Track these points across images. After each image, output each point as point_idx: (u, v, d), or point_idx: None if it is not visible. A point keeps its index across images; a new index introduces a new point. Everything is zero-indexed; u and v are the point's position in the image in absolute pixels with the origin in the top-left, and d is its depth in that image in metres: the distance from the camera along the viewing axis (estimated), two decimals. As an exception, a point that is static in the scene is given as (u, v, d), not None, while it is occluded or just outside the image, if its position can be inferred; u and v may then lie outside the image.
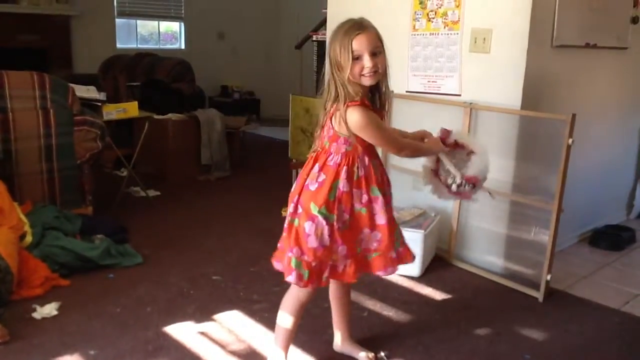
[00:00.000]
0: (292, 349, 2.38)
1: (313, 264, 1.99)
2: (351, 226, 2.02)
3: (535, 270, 3.05)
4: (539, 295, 2.94)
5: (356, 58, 1.90)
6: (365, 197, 2.02)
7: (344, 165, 1.99)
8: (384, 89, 2.04)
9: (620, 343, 2.57)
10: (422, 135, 2.27)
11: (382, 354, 2.38)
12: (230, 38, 8.41)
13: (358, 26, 1.92)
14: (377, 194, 2.03)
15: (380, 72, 1.95)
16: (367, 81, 1.93)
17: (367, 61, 1.90)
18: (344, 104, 1.93)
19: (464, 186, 2.25)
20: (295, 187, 2.07)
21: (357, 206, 2.02)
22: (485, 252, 3.31)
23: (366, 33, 1.91)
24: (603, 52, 3.54)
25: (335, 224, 1.98)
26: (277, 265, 2.12)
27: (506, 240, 3.23)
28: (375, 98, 2.04)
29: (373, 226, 2.05)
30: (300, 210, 2.01)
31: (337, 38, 1.93)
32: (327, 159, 2.01)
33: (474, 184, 2.25)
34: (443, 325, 2.67)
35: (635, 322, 2.78)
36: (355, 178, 2.00)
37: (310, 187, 2.01)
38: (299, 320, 2.19)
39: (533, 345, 2.52)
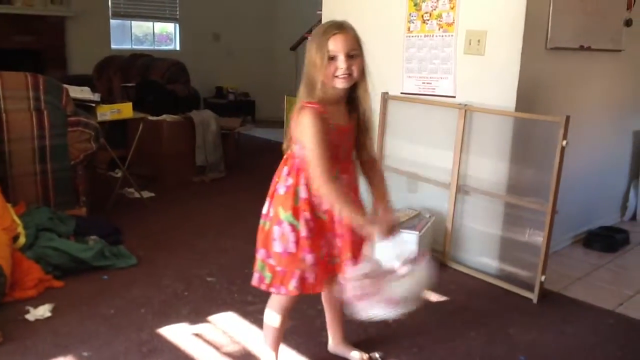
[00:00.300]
0: (288, 350, 2.38)
1: (277, 268, 1.96)
2: (316, 233, 1.95)
3: (529, 272, 3.05)
4: (534, 296, 2.94)
5: (331, 58, 1.83)
6: (325, 205, 1.94)
7: (302, 170, 1.93)
8: (360, 93, 1.95)
9: (614, 344, 2.58)
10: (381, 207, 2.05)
11: (377, 355, 2.38)
12: (225, 39, 8.40)
13: (337, 26, 1.86)
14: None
15: (355, 77, 1.88)
16: (339, 83, 1.86)
17: (341, 62, 1.83)
18: (302, 104, 1.88)
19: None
20: (270, 188, 2.03)
21: (318, 212, 1.95)
22: (480, 253, 3.31)
23: (344, 34, 1.85)
24: (597, 54, 3.56)
25: (301, 230, 1.93)
26: None
27: (501, 242, 3.24)
28: (354, 103, 1.97)
29: (334, 233, 1.98)
30: (272, 213, 1.98)
31: (315, 37, 1.87)
32: (293, 161, 1.96)
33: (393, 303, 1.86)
34: (438, 326, 2.67)
35: (630, 323, 2.78)
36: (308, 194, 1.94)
37: (279, 191, 1.97)
38: (285, 320, 2.15)
39: (528, 346, 2.52)
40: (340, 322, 2.35)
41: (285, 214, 1.94)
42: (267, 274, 1.99)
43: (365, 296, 1.79)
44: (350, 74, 1.85)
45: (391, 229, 1.87)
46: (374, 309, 1.82)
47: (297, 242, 1.94)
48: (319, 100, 1.86)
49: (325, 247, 1.99)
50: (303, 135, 1.87)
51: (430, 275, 1.90)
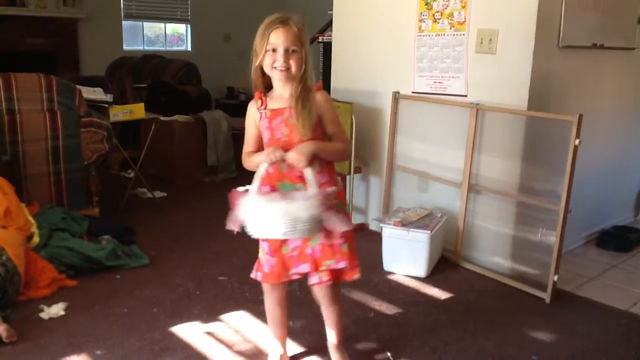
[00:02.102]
0: (298, 348, 2.39)
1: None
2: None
3: (542, 271, 3.04)
4: (546, 296, 2.92)
5: (272, 50, 1.91)
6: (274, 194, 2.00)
7: None
8: (292, 89, 1.95)
9: (627, 344, 2.56)
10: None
11: (389, 354, 2.38)
12: (236, 40, 8.41)
13: (280, 20, 1.92)
14: (287, 189, 1.97)
15: (294, 72, 1.92)
16: (276, 75, 1.93)
17: (279, 55, 1.90)
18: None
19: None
20: None
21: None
22: (492, 253, 3.30)
23: (285, 28, 1.91)
24: (610, 52, 3.53)
25: None
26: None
27: (513, 241, 3.22)
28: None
29: None
30: None
31: (261, 27, 1.95)
32: None
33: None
34: (449, 326, 2.66)
35: (643, 323, 2.76)
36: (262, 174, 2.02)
37: None
38: (269, 308, 2.25)
39: (540, 346, 2.51)
40: (333, 324, 2.24)
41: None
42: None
43: (236, 212, 1.93)
44: (288, 68, 1.91)
45: (277, 156, 1.92)
46: (251, 226, 1.94)
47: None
48: (262, 89, 2.00)
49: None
50: None
51: (310, 206, 1.89)
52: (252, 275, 2.16)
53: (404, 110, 3.65)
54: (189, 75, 6.09)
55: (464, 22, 3.23)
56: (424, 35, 3.45)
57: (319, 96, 1.99)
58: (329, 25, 4.68)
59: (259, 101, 2.00)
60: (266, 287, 2.19)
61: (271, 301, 2.22)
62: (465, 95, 3.30)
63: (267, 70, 1.94)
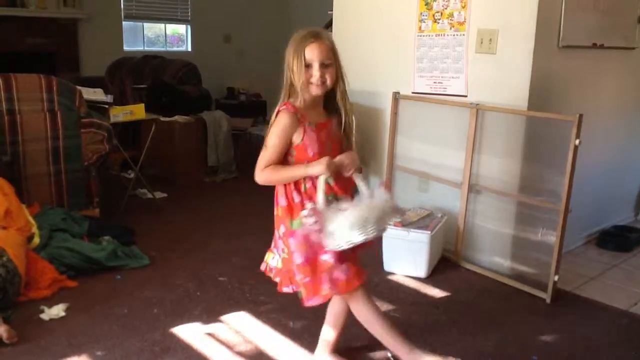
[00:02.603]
0: (300, 349, 2.39)
1: (305, 280, 1.98)
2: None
3: (542, 271, 3.03)
4: (547, 296, 2.92)
5: (307, 66, 1.93)
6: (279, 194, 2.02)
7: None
8: (337, 100, 2.03)
9: (628, 344, 2.56)
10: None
11: (389, 355, 2.37)
12: (236, 40, 8.41)
13: (313, 35, 1.95)
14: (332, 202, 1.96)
15: (329, 84, 1.97)
16: (313, 90, 1.96)
17: (315, 70, 1.93)
18: (278, 108, 1.98)
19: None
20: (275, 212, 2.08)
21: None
22: (492, 253, 3.30)
23: (319, 43, 1.93)
24: (610, 52, 3.53)
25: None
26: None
27: (513, 241, 3.22)
28: (332, 108, 2.06)
29: None
30: (282, 229, 2.02)
31: (293, 43, 1.96)
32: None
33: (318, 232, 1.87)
34: (450, 326, 2.66)
35: (644, 323, 2.76)
36: (303, 190, 1.99)
37: (281, 203, 2.02)
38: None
39: (541, 346, 2.51)
40: (341, 330, 2.30)
41: (295, 223, 1.97)
42: (303, 290, 2.01)
43: (319, 227, 1.85)
44: (324, 82, 1.95)
45: (335, 165, 1.94)
46: (335, 238, 1.86)
47: (313, 245, 1.95)
48: (295, 103, 1.97)
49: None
50: (269, 134, 1.97)
51: (388, 201, 1.94)
52: (312, 302, 2.01)
53: (404, 110, 3.65)
54: (189, 76, 6.09)
55: (464, 22, 3.23)
56: (424, 36, 3.45)
57: (350, 106, 2.08)
58: (329, 25, 4.68)
59: (298, 114, 1.96)
60: (360, 293, 2.06)
61: (372, 302, 2.12)
62: (465, 96, 3.29)
63: (303, 85, 1.94)
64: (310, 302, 2.01)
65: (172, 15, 7.95)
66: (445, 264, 3.35)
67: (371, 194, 1.95)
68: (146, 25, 7.88)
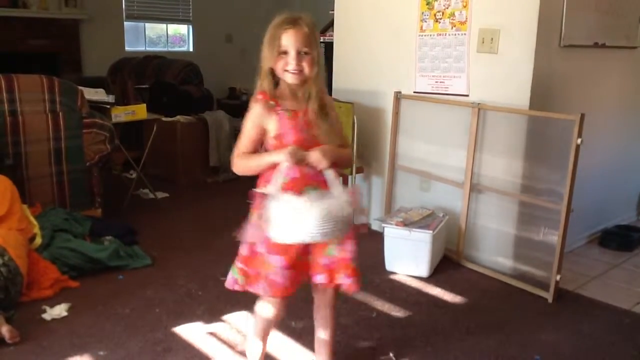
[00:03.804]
0: (301, 349, 2.39)
1: (247, 269, 1.98)
2: None
3: (544, 271, 3.03)
4: (549, 296, 2.92)
5: (283, 52, 1.83)
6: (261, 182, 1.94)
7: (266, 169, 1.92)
8: (312, 92, 1.88)
9: (630, 343, 2.55)
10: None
11: (391, 355, 2.38)
12: (238, 40, 8.42)
13: (291, 21, 1.84)
14: (312, 194, 1.86)
15: (307, 73, 1.85)
16: (289, 78, 1.85)
17: (291, 58, 1.82)
18: (254, 97, 1.91)
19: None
20: None
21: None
22: (494, 252, 3.30)
23: (297, 29, 1.82)
24: (612, 51, 3.53)
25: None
26: None
27: (515, 241, 3.22)
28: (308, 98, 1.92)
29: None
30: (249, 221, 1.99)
31: (270, 28, 1.87)
32: None
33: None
34: (452, 326, 2.66)
35: (646, 322, 2.76)
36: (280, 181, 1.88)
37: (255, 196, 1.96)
38: (269, 314, 2.08)
39: (543, 346, 2.50)
40: (333, 331, 2.20)
41: (255, 215, 1.92)
42: (240, 276, 2.00)
43: (265, 214, 1.78)
44: (300, 70, 1.84)
45: (301, 154, 1.82)
46: (275, 229, 1.80)
47: (264, 242, 1.91)
48: (270, 90, 1.89)
49: (300, 247, 1.91)
50: (243, 123, 1.92)
51: (346, 203, 1.83)
52: (247, 289, 1.99)
53: (405, 110, 3.65)
54: (191, 76, 6.10)
55: (466, 22, 3.23)
56: (425, 35, 3.45)
57: (330, 100, 1.97)
58: (330, 25, 4.68)
59: (271, 102, 1.88)
60: (273, 300, 2.01)
61: (277, 314, 2.06)
62: (467, 95, 3.29)
63: (279, 72, 1.86)
64: (233, 286, 2.01)
65: (174, 15, 7.97)
66: (447, 263, 3.35)
67: (337, 195, 1.83)
68: (148, 25, 7.89)
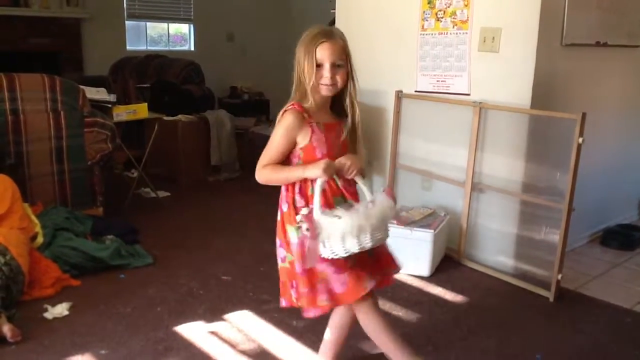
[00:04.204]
0: (304, 349, 2.39)
1: (303, 290, 1.91)
2: None
3: (546, 270, 3.03)
4: (550, 295, 2.92)
5: (318, 66, 1.85)
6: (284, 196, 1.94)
7: (297, 182, 1.91)
8: (346, 102, 1.94)
9: (631, 343, 2.55)
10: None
11: None
12: (239, 39, 8.41)
13: (325, 34, 1.87)
14: (341, 205, 1.86)
15: (340, 86, 1.89)
16: (324, 91, 1.88)
17: (326, 71, 1.85)
18: (285, 107, 1.90)
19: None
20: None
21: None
22: (495, 251, 3.29)
23: (331, 42, 1.86)
24: (614, 50, 3.52)
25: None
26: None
27: (516, 240, 3.22)
28: (340, 109, 1.97)
29: None
30: (281, 238, 1.96)
31: (304, 42, 1.88)
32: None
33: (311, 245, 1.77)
34: (453, 325, 2.66)
35: (648, 322, 2.76)
36: (310, 193, 1.88)
37: (283, 209, 1.95)
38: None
39: (544, 345, 2.50)
40: (344, 341, 2.21)
41: (292, 231, 1.90)
42: (304, 301, 1.94)
43: (313, 234, 1.75)
44: (334, 83, 1.87)
45: (334, 167, 1.86)
46: (327, 246, 1.77)
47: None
48: (304, 103, 1.89)
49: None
50: (274, 132, 1.91)
51: (390, 206, 1.86)
52: (311, 314, 1.95)
53: (407, 109, 3.65)
54: (192, 75, 6.10)
55: (467, 21, 3.23)
56: (426, 34, 3.45)
57: (358, 109, 1.99)
58: (332, 24, 4.68)
59: (305, 114, 1.88)
60: (365, 304, 1.95)
61: (378, 311, 2.01)
62: (469, 94, 3.29)
63: (313, 85, 1.86)
64: (309, 313, 1.95)
65: (175, 14, 7.96)
66: (448, 262, 3.34)
67: (372, 199, 1.86)
68: (149, 24, 7.88)
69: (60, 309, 2.67)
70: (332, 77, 1.86)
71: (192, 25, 8.14)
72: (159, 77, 6.01)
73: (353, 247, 1.76)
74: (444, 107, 3.42)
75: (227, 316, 2.69)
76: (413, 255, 3.14)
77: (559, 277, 2.90)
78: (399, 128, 3.69)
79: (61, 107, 3.62)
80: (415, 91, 3.57)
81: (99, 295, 2.86)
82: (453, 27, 3.30)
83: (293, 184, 1.92)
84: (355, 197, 1.95)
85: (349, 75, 1.91)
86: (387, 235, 1.86)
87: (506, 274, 3.18)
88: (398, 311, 2.77)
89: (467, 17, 3.22)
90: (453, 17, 3.29)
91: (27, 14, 6.47)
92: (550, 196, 3.06)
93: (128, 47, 7.52)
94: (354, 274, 1.88)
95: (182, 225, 3.99)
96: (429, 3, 3.40)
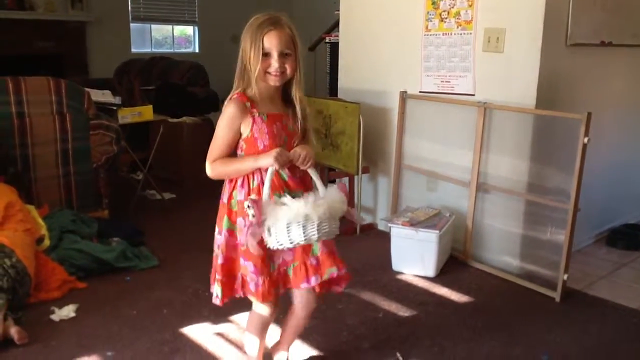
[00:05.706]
0: (307, 348, 2.39)
1: (219, 277, 1.95)
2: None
3: (551, 271, 3.02)
4: (556, 295, 2.91)
5: (265, 54, 1.78)
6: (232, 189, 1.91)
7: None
8: (293, 93, 1.88)
9: (638, 343, 2.54)
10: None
11: (398, 355, 2.38)
12: (243, 41, 8.44)
13: (272, 22, 1.80)
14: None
15: (288, 75, 1.83)
16: (271, 80, 1.82)
17: (274, 60, 1.78)
18: (230, 96, 1.86)
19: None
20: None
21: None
22: (501, 252, 3.29)
23: (279, 31, 1.78)
24: (618, 50, 3.51)
25: (238, 235, 1.89)
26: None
27: (522, 240, 3.21)
28: (290, 100, 1.91)
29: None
30: (217, 229, 1.99)
31: (250, 29, 1.82)
32: None
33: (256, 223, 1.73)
34: (459, 326, 2.65)
35: (654, 322, 2.75)
36: (253, 186, 1.86)
37: (223, 200, 1.94)
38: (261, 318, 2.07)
39: (550, 345, 2.50)
40: (298, 332, 2.23)
41: (225, 222, 1.92)
42: (218, 289, 1.98)
43: (258, 221, 1.72)
44: (283, 72, 1.81)
45: (286, 156, 1.80)
46: (272, 235, 1.74)
47: (235, 247, 1.91)
48: (248, 92, 1.85)
49: (275, 257, 1.89)
50: (217, 124, 1.87)
51: (341, 200, 1.81)
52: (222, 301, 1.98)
53: (411, 109, 3.65)
54: (197, 77, 6.11)
55: (471, 21, 3.23)
56: (431, 35, 3.45)
57: (306, 100, 1.94)
58: (335, 25, 4.69)
59: (248, 103, 1.83)
60: (264, 305, 1.99)
61: (271, 315, 2.05)
62: (473, 94, 3.29)
63: (260, 75, 1.81)
64: (223, 301, 1.97)
65: (180, 16, 7.99)
66: (453, 263, 3.34)
67: (324, 192, 1.82)
68: (154, 27, 7.92)
69: (67, 311, 2.68)
70: (281, 66, 1.79)
71: (196, 27, 8.17)
72: (164, 79, 6.03)
73: (298, 237, 1.71)
74: (449, 107, 3.42)
75: (233, 317, 2.69)
76: (418, 255, 3.14)
77: (565, 277, 2.89)
78: (404, 129, 3.69)
79: (67, 109, 3.64)
80: (420, 92, 3.56)
81: (105, 297, 2.87)
82: (457, 27, 3.30)
83: (235, 178, 1.90)
84: (302, 188, 1.87)
85: (297, 64, 1.84)
86: (335, 231, 1.78)
87: (512, 274, 3.17)
88: (404, 312, 2.77)
89: (471, 18, 3.22)
90: (457, 17, 3.29)
91: (32, 17, 6.50)
92: (556, 196, 3.06)
93: (133, 50, 7.55)
94: (269, 282, 1.88)
95: (187, 227, 4.00)
96: (433, 4, 3.40)
